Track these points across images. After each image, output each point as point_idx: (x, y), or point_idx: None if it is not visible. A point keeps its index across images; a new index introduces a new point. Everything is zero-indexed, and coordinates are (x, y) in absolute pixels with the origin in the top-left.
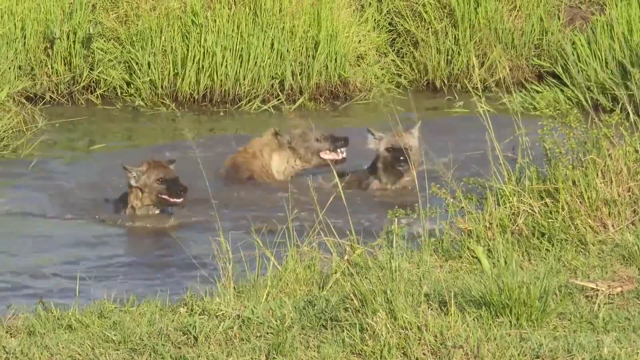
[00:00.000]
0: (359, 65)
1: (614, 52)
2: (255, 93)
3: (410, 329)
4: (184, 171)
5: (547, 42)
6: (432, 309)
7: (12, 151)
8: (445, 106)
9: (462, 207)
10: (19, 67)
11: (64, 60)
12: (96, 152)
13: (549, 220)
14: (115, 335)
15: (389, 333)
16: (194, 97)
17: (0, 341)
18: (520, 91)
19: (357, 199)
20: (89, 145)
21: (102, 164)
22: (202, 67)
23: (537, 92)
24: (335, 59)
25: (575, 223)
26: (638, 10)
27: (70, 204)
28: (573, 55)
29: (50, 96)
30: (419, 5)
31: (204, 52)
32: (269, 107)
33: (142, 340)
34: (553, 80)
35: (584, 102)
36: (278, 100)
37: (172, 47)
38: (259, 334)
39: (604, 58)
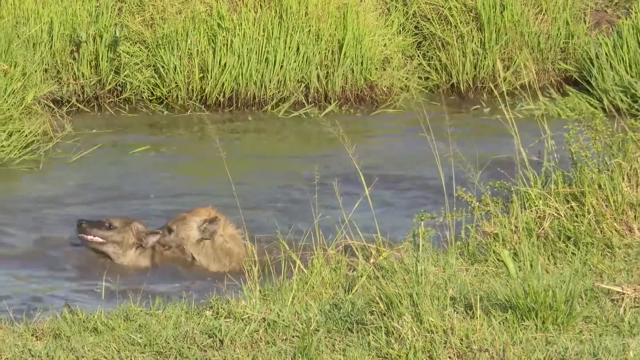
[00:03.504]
0: (384, 69)
1: (639, 56)
2: (280, 96)
3: (436, 333)
4: (209, 174)
5: (573, 45)
6: (458, 313)
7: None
8: (470, 109)
9: (488, 211)
10: (45, 71)
11: (90, 64)
12: (133, 156)
13: (575, 223)
14: (141, 338)
15: (414, 336)
16: (220, 100)
17: (26, 344)
18: (546, 96)
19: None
20: (125, 149)
21: (135, 166)
22: (228, 70)
23: (563, 96)
24: (361, 62)
25: (601, 226)
26: None
27: (101, 206)
28: (598, 58)
29: (76, 100)
30: (444, 8)
31: (229, 55)
32: (301, 114)
33: (168, 343)
34: (581, 85)
35: (609, 106)
36: (306, 110)
37: (198, 50)
38: (284, 337)
39: (629, 61)
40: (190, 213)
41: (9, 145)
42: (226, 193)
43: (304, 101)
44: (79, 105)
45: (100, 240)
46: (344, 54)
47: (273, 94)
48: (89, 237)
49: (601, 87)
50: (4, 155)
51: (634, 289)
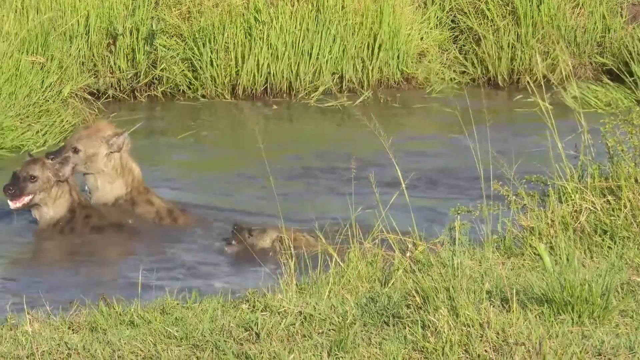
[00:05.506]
0: (420, 62)
1: None
2: (316, 88)
3: (472, 326)
4: (245, 165)
5: (610, 39)
6: (494, 306)
7: None
8: (507, 103)
9: (525, 205)
10: (82, 64)
11: (127, 57)
12: (170, 145)
13: (611, 217)
14: (177, 331)
15: (450, 330)
16: (255, 93)
17: (62, 337)
18: (582, 88)
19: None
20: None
21: (173, 155)
22: (265, 63)
23: (597, 90)
24: (398, 56)
25: (638, 220)
26: None
27: None
28: (635, 52)
29: (113, 93)
30: (481, 2)
31: (266, 49)
32: (337, 104)
33: (204, 336)
34: (618, 79)
35: None
36: (341, 100)
37: (234, 43)
38: (321, 331)
39: None
40: (90, 129)
41: (46, 134)
42: (262, 184)
43: (338, 91)
44: (116, 95)
45: (30, 198)
46: (380, 47)
47: (309, 87)
48: (20, 202)
49: (638, 80)
50: (45, 142)
51: None
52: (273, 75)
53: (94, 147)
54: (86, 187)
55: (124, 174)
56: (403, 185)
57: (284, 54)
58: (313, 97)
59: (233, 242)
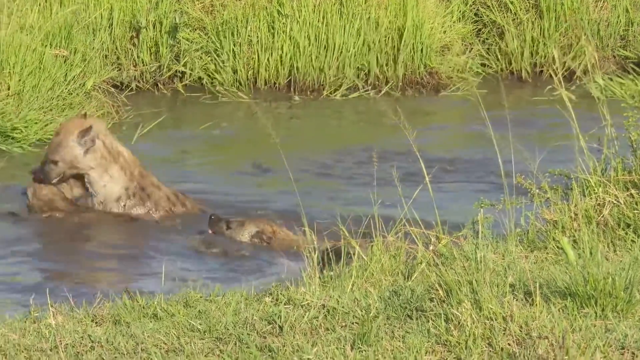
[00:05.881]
0: (444, 56)
1: None
2: (339, 82)
3: (496, 320)
4: (266, 159)
5: (633, 33)
6: (517, 300)
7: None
8: (530, 96)
9: (548, 198)
10: (105, 57)
11: (150, 50)
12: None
13: (635, 211)
14: (200, 324)
15: (474, 323)
16: (278, 87)
17: (85, 330)
18: (605, 80)
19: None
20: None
21: (195, 148)
22: (288, 56)
23: (621, 83)
24: (421, 49)
25: None
26: None
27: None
28: None
29: (136, 85)
30: None
31: (289, 42)
32: (361, 98)
33: (228, 329)
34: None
35: None
36: (364, 90)
37: (257, 37)
38: (344, 324)
39: None
40: (59, 135)
41: None
42: (284, 178)
43: (362, 85)
44: (140, 88)
45: None
46: (404, 41)
47: (332, 80)
48: None
49: None
50: None
51: None
52: (296, 69)
53: (69, 153)
54: (90, 190)
55: (116, 159)
56: (427, 179)
57: (307, 48)
58: (337, 91)
59: (209, 231)
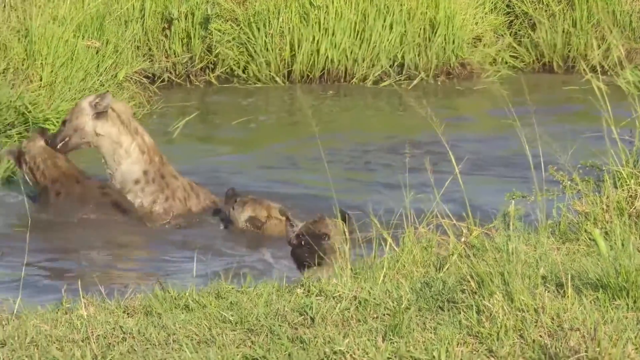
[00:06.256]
0: (475, 47)
1: None
2: (373, 73)
3: (527, 311)
4: (299, 149)
5: None
6: (549, 292)
7: None
8: (561, 88)
9: (579, 190)
10: (137, 48)
11: (182, 41)
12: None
13: None
14: (232, 315)
15: (505, 315)
16: (311, 78)
17: (117, 321)
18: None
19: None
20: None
21: (228, 139)
22: (321, 48)
23: None
24: (453, 41)
25: None
26: None
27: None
28: None
29: (168, 77)
30: None
31: (321, 33)
32: (394, 89)
33: (259, 320)
34: None
35: None
36: (396, 80)
37: (289, 28)
38: (375, 315)
39: None
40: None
41: None
42: (317, 168)
43: (395, 76)
44: (172, 79)
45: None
46: (436, 32)
47: (365, 72)
48: None
49: None
50: None
51: None
52: (330, 61)
53: (78, 114)
54: (108, 171)
55: (131, 132)
56: (457, 169)
57: (340, 39)
58: (370, 82)
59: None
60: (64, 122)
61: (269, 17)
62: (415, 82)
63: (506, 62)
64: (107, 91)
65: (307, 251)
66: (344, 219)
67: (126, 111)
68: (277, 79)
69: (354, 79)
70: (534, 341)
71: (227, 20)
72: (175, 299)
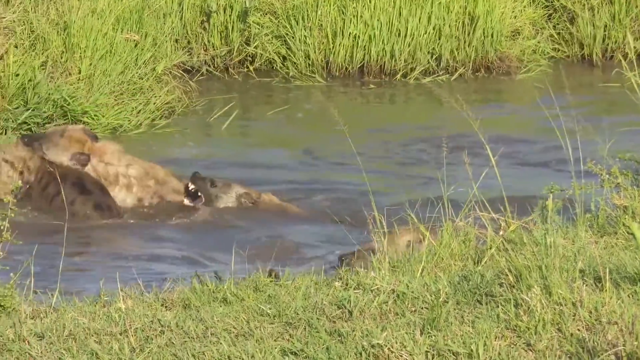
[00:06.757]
0: (514, 40)
1: None
2: (411, 67)
3: (565, 305)
4: (336, 144)
5: None
6: (587, 285)
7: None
8: (600, 81)
9: (618, 183)
10: (176, 41)
11: (220, 34)
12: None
13: None
14: (270, 309)
15: (543, 309)
16: (349, 71)
17: (155, 314)
18: None
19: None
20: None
21: (264, 133)
22: (358, 41)
23: None
24: (492, 34)
25: None
26: None
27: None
28: None
29: (207, 69)
30: None
31: (360, 27)
32: (438, 80)
33: (297, 314)
34: None
35: None
36: (436, 75)
37: (328, 21)
38: (413, 309)
39: None
40: (64, 138)
41: (140, 112)
42: (352, 163)
43: (433, 70)
44: (210, 72)
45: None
46: (475, 26)
47: (403, 65)
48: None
49: None
50: (140, 122)
51: None
52: (369, 54)
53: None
54: None
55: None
56: (494, 163)
57: (379, 33)
58: (409, 76)
59: (191, 189)
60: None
61: (308, 10)
62: (454, 76)
63: (546, 54)
64: (88, 156)
65: None
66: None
67: (109, 158)
68: (316, 72)
69: (394, 75)
70: (571, 335)
71: (266, 13)
72: (213, 292)
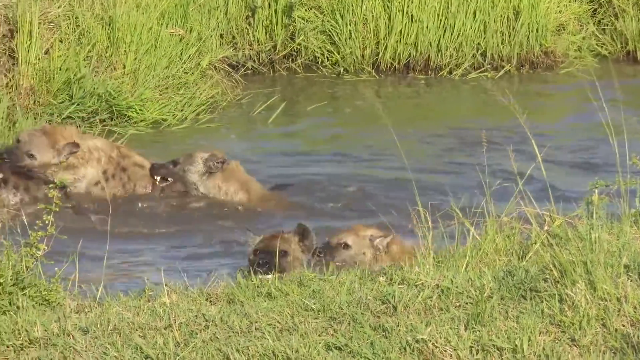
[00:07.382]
0: (559, 35)
1: None
2: (457, 62)
3: (610, 300)
4: (380, 140)
5: None
6: (631, 281)
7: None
8: None
9: None
10: (221, 36)
11: (265, 29)
12: (306, 118)
13: None
14: (314, 303)
15: (588, 304)
16: (395, 66)
17: (200, 308)
18: None
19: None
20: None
21: (307, 128)
22: (404, 36)
23: None
24: (537, 29)
25: None
26: None
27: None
28: None
29: (252, 64)
30: None
31: (405, 22)
32: (484, 76)
33: (341, 309)
34: None
35: None
36: (482, 70)
37: (373, 16)
38: (458, 304)
39: None
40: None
41: (185, 106)
42: (396, 158)
43: (478, 65)
44: (255, 67)
45: None
46: (520, 20)
47: (449, 60)
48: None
49: None
50: (185, 116)
51: None
52: (416, 50)
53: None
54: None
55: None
56: (539, 158)
57: (425, 28)
58: (455, 72)
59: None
60: (28, 155)
61: (352, 5)
62: (501, 72)
63: (591, 50)
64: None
65: (266, 267)
66: (302, 234)
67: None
68: (362, 67)
69: (440, 71)
70: (616, 330)
71: (311, 8)
72: (257, 286)
